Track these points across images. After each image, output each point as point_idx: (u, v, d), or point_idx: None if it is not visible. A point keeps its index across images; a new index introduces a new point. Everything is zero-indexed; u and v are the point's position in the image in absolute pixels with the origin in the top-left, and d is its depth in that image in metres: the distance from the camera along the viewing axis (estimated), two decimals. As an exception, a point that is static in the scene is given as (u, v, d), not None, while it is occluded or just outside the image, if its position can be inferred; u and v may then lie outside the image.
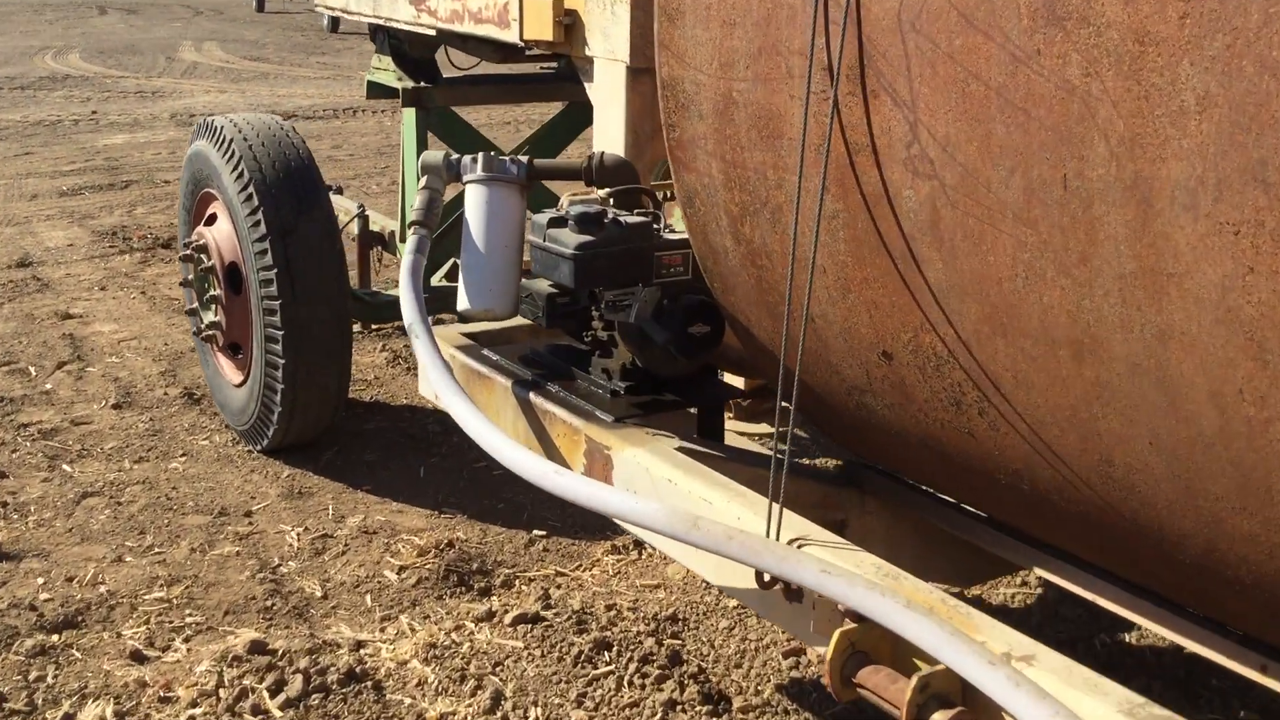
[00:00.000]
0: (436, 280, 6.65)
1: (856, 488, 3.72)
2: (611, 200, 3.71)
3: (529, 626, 4.48)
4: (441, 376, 3.48)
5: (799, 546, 2.73)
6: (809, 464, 5.46)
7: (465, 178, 3.85)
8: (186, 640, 4.43)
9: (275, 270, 5.37)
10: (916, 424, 2.91)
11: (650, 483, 3.17)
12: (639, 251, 3.44)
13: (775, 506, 2.72)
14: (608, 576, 4.94)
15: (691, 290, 3.59)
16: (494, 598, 4.75)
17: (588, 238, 3.38)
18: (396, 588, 4.82)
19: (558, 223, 3.47)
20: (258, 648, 4.32)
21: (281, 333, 5.42)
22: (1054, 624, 4.55)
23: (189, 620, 4.56)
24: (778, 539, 2.70)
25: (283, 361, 5.48)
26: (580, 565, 5.03)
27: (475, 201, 3.80)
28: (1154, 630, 3.06)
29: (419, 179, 4.02)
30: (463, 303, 3.86)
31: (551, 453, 3.60)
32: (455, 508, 5.51)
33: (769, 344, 3.24)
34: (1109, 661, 4.30)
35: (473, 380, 3.96)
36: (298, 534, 5.23)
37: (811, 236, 2.71)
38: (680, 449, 3.32)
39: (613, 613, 4.59)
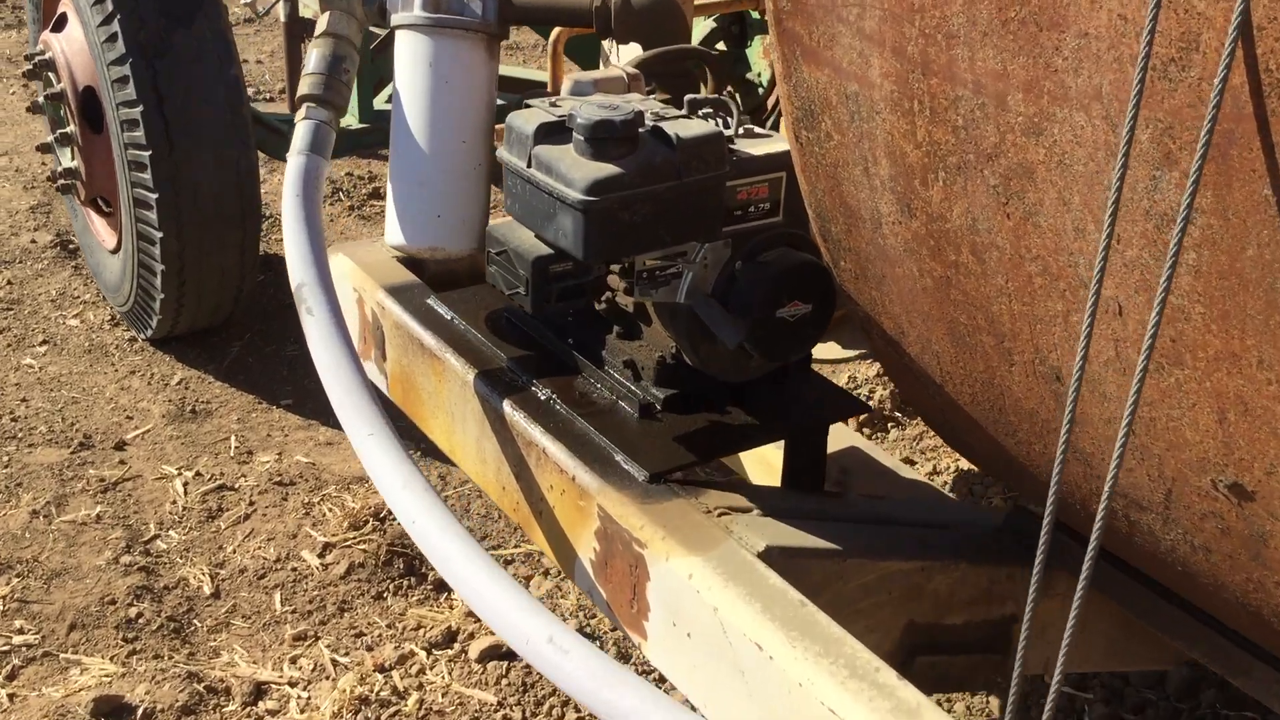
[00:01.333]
0: (380, 104, 4.99)
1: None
2: (644, 79, 2.13)
3: (505, 665, 3.12)
4: (358, 405, 1.98)
5: None
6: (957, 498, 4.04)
7: (394, 17, 2.25)
8: (8, 680, 3.06)
9: (141, 108, 3.75)
10: (1258, 591, 1.48)
11: (721, 642, 1.74)
12: (700, 189, 1.90)
13: None
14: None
15: (781, 237, 2.07)
16: (457, 599, 3.37)
17: (609, 169, 1.82)
18: (318, 580, 3.44)
19: (552, 132, 1.91)
20: (106, 708, 2.95)
21: (155, 196, 3.85)
22: None
23: (16, 644, 3.17)
24: None
25: (160, 236, 3.93)
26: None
27: (412, 62, 2.22)
28: None
29: (321, 13, 2.40)
30: (394, 234, 2.33)
31: (539, 512, 2.14)
32: (409, 439, 4.05)
33: (954, 393, 1.75)
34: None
35: (413, 354, 2.46)
36: (184, 483, 3.80)
37: (1099, 252, 1.20)
38: (773, 552, 1.87)
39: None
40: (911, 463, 3.96)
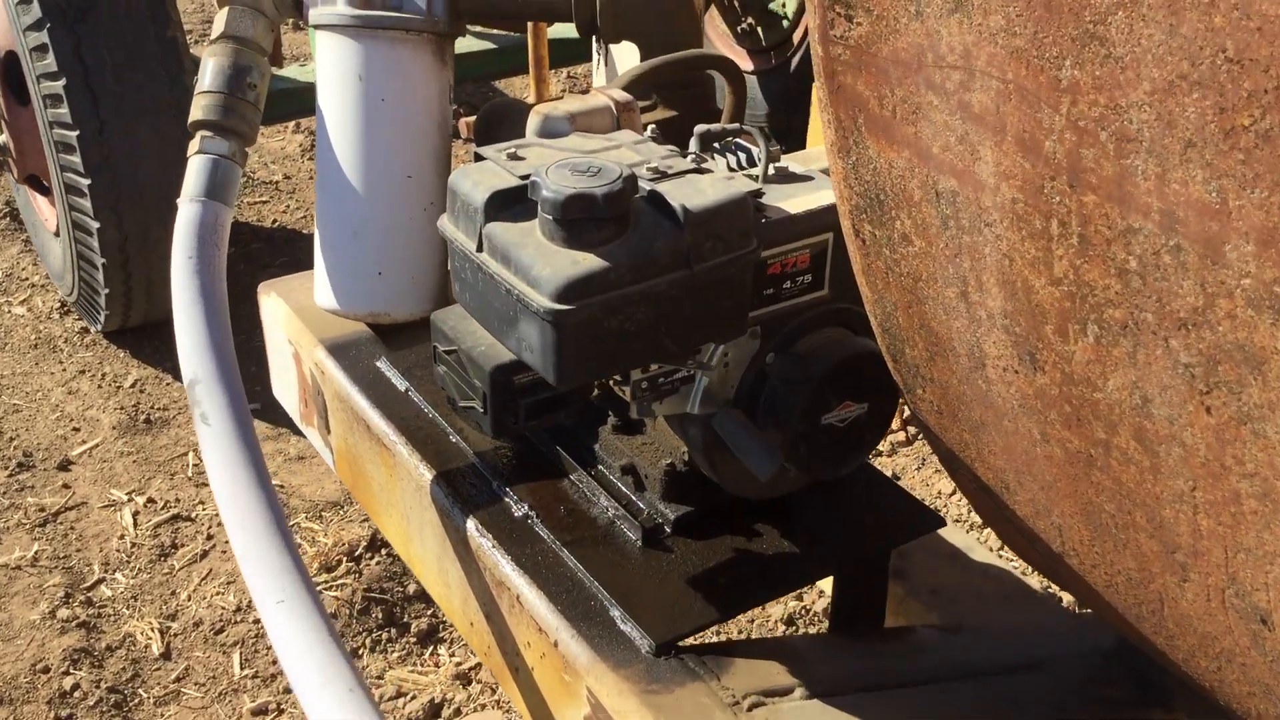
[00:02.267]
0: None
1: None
2: (641, 100, 1.58)
3: (496, 751, 2.66)
4: (267, 557, 1.48)
5: None
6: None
7: (313, 14, 1.71)
8: (-80, 777, 2.63)
9: (64, 80, 3.21)
10: None
11: None
12: (718, 280, 1.37)
13: None
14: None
15: (826, 316, 1.55)
16: (448, 656, 2.91)
17: (589, 262, 1.29)
18: (284, 637, 2.95)
19: (510, 202, 1.37)
20: (28, 819, 2.51)
21: (88, 182, 3.32)
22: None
23: (-69, 728, 2.73)
24: None
25: (97, 226, 3.41)
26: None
27: (338, 74, 1.69)
28: None
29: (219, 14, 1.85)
30: (324, 295, 1.82)
31: (514, 668, 1.65)
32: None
33: (1082, 568, 1.24)
34: None
35: (360, 435, 1.95)
36: (135, 512, 3.33)
37: None
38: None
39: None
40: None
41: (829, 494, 1.71)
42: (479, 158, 1.44)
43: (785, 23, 4.40)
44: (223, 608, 3.05)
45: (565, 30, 4.87)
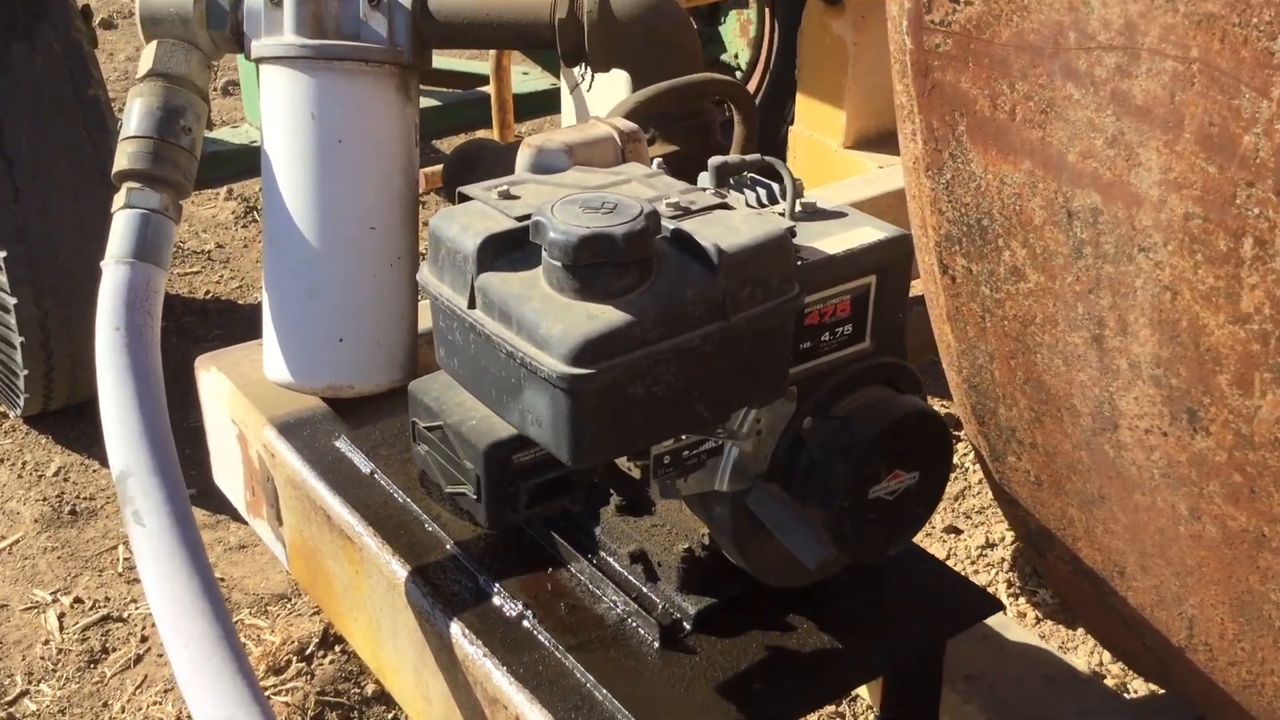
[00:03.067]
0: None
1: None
2: (644, 133, 1.37)
3: None
4: (214, 683, 1.22)
5: None
6: None
7: (255, 45, 1.49)
8: None
9: (-30, 142, 2.95)
10: None
11: None
12: (758, 332, 1.15)
13: None
14: None
15: (869, 373, 1.33)
16: (406, 766, 2.62)
17: (609, 316, 1.07)
18: (229, 749, 2.66)
19: (507, 248, 1.14)
20: None
21: (3, 255, 3.05)
22: None
23: None
24: None
25: (14, 302, 3.13)
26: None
27: (288, 112, 1.46)
28: None
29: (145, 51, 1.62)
30: (275, 367, 1.57)
31: (516, 801, 1.40)
32: (336, 536, 3.29)
33: (1219, 675, 1.01)
34: None
35: (318, 527, 1.70)
36: (60, 614, 3.03)
37: None
38: None
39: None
40: (956, 531, 3.26)
41: (868, 577, 1.49)
42: (463, 197, 1.22)
43: (739, 73, 4.25)
44: (160, 719, 2.76)
45: (526, 84, 4.70)
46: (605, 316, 1.07)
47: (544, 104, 4.55)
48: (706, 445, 1.25)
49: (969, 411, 1.08)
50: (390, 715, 2.73)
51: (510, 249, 1.14)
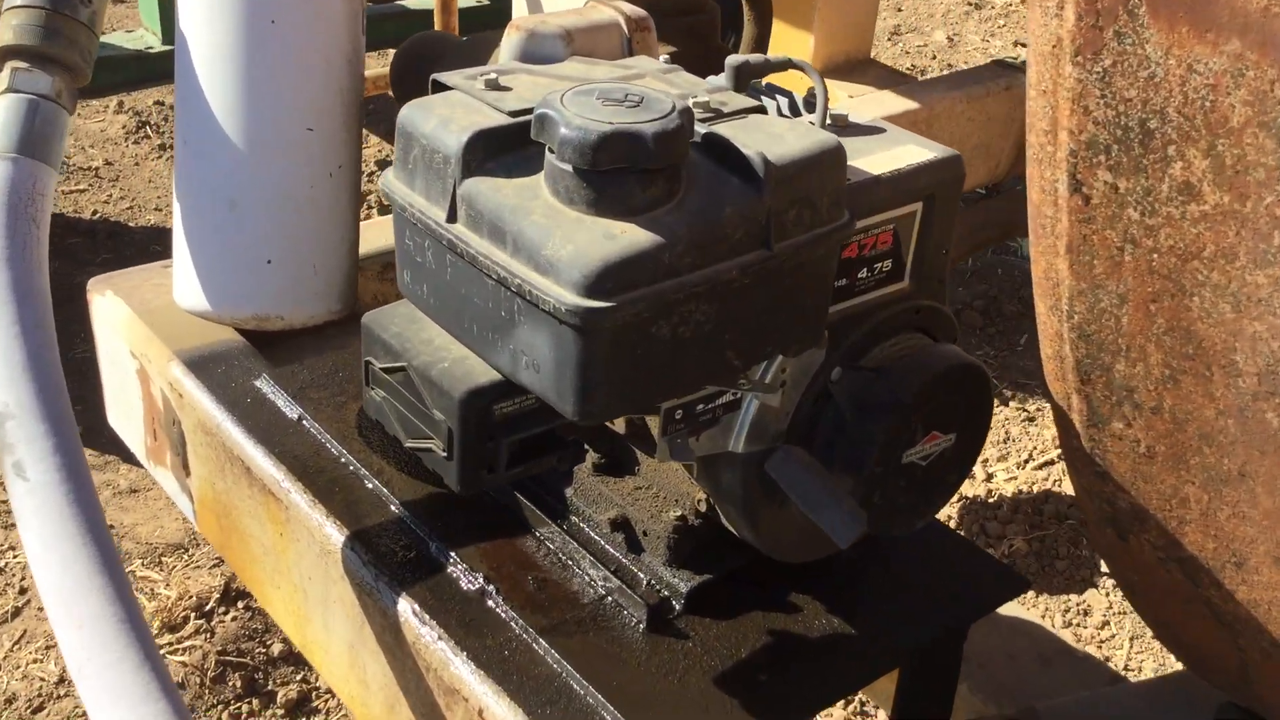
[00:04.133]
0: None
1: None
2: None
3: None
4: (115, 669, 0.99)
5: None
6: None
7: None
8: None
9: None
10: None
11: None
12: (804, 264, 0.94)
13: None
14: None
15: (906, 317, 1.14)
16: (317, 733, 2.41)
17: (632, 236, 0.85)
18: (119, 714, 2.41)
19: (501, 147, 0.91)
20: None
21: None
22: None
23: None
24: None
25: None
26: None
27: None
28: None
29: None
30: (187, 292, 1.32)
31: (474, 807, 1.19)
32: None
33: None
34: None
35: (234, 480, 1.46)
36: (-73, 563, 2.73)
37: None
38: None
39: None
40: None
41: (877, 549, 1.30)
42: (438, 86, 0.98)
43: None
44: (42, 679, 2.49)
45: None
46: (628, 236, 0.85)
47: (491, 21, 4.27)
48: (725, 398, 1.04)
49: (1068, 366, 0.89)
50: (299, 677, 2.51)
51: (503, 150, 0.91)
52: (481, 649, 1.18)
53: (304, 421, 1.45)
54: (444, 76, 0.97)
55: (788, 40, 2.36)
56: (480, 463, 1.01)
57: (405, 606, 1.23)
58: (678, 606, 1.22)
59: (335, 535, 1.31)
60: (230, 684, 2.49)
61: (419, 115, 0.93)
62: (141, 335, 1.59)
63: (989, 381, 1.14)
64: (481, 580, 1.24)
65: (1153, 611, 1.07)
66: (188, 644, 2.56)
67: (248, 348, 1.56)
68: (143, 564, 2.77)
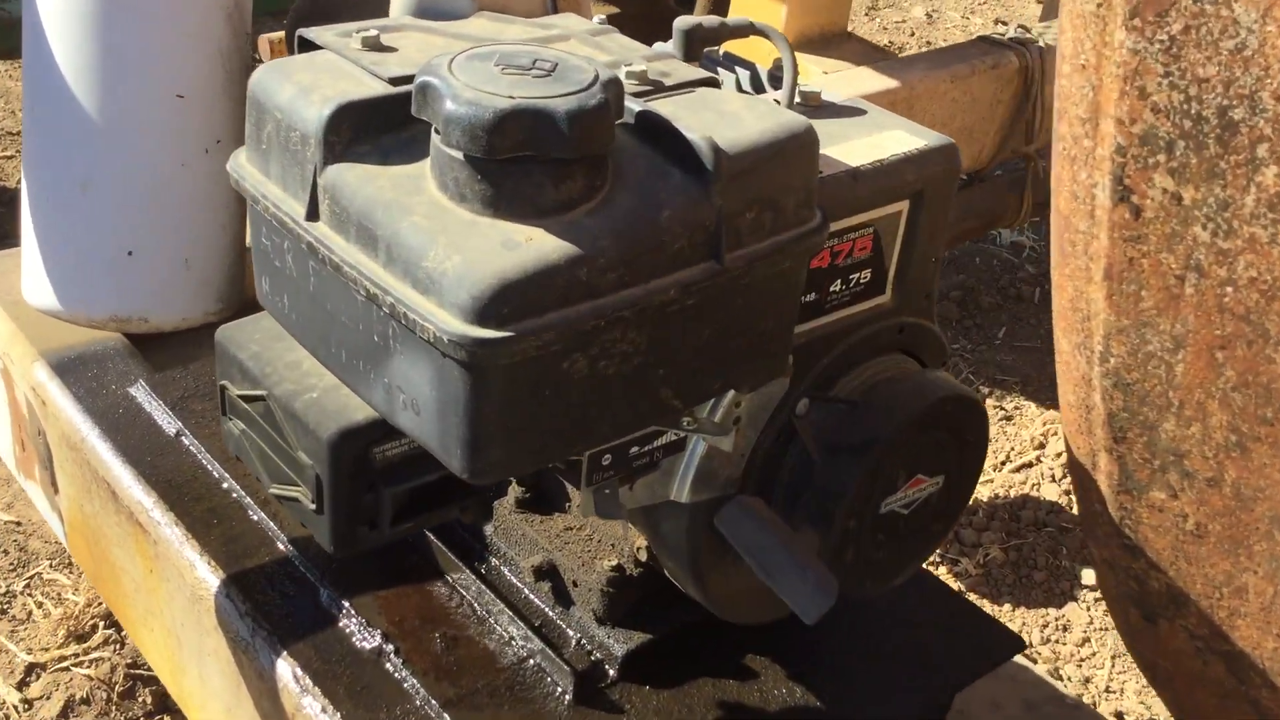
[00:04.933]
0: None
1: None
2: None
3: None
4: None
5: None
6: None
7: None
8: None
9: None
10: None
11: None
12: (763, 281, 0.74)
13: None
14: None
15: (886, 337, 0.94)
16: (233, 757, 2.19)
17: (539, 251, 0.65)
18: (15, 733, 2.24)
19: (379, 127, 0.71)
20: None
21: None
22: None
23: None
24: None
25: None
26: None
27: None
28: None
29: None
30: (36, 290, 1.10)
31: None
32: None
33: None
34: None
35: (101, 504, 1.25)
36: None
37: None
38: None
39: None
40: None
41: (849, 602, 1.11)
42: (306, 45, 0.78)
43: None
44: (-70, 695, 2.28)
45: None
46: (534, 246, 0.65)
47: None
48: (665, 438, 0.84)
49: (1096, 419, 0.70)
50: (215, 695, 2.30)
51: (379, 129, 0.71)
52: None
53: (183, 438, 1.24)
54: (311, 32, 0.76)
55: (756, 8, 2.17)
56: (358, 517, 0.81)
57: (285, 669, 1.03)
58: (611, 673, 1.03)
59: (209, 578, 1.11)
60: (140, 699, 2.29)
61: (272, 81, 0.73)
62: (5, 331, 1.38)
63: (984, 415, 0.95)
64: (379, 637, 1.05)
65: (1177, 698, 0.89)
66: (95, 655, 2.35)
67: (126, 348, 1.35)
68: (50, 565, 2.56)
